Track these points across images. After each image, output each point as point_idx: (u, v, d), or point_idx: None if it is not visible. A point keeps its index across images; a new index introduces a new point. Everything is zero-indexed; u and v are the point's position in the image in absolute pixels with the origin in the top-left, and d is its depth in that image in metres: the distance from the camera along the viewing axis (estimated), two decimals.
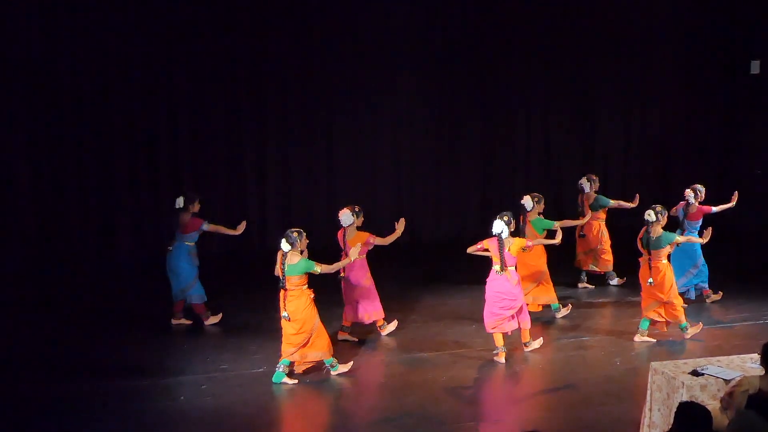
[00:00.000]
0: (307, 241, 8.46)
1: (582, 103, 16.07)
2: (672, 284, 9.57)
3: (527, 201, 10.53)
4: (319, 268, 8.32)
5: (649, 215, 9.49)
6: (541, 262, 10.49)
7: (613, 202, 11.69)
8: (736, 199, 10.95)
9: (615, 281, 12.03)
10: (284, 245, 8.29)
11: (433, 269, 13.06)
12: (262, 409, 7.94)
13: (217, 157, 14.22)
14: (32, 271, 12.92)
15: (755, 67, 15.89)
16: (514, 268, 9.07)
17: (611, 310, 11.09)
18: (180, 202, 10.15)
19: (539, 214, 10.55)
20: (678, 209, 11.00)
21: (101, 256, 13.63)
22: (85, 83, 13.39)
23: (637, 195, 11.79)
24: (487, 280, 9.14)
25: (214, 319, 10.40)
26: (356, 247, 8.68)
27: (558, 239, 9.51)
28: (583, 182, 11.80)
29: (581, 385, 8.67)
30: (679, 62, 16.33)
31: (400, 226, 9.51)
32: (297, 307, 8.34)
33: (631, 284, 11.79)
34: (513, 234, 9.17)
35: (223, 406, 8.03)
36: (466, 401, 8.04)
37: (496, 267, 9.02)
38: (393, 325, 10.04)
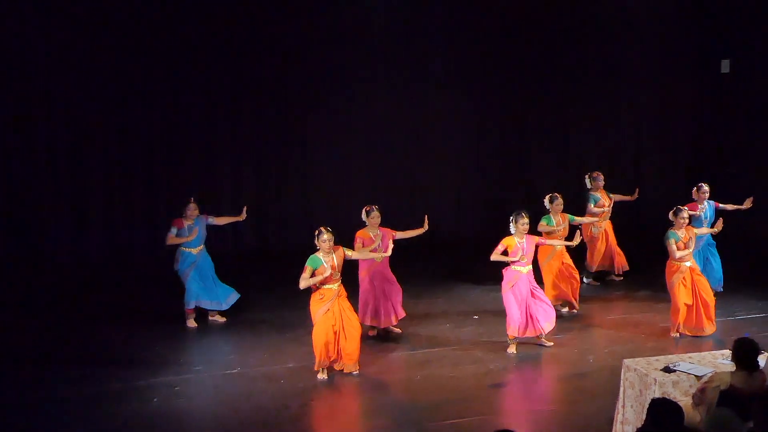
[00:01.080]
0: (326, 243, 8.29)
1: (554, 104, 16.11)
2: (673, 287, 9.57)
3: (546, 201, 10.65)
4: (304, 275, 8.29)
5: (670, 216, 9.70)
6: (540, 263, 10.49)
7: (592, 206, 11.74)
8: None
9: (588, 281, 12.08)
10: None
11: (409, 269, 13.03)
12: (236, 410, 7.87)
13: (191, 155, 14.15)
14: (2, 267, 12.75)
15: (725, 66, 16.03)
16: (516, 266, 9.14)
17: (584, 307, 11.13)
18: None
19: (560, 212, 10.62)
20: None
21: (72, 254, 13.50)
22: (58, 85, 13.28)
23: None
24: None
25: (191, 323, 10.34)
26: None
27: (576, 241, 9.61)
28: (586, 180, 11.91)
29: (555, 382, 8.73)
30: (650, 62, 16.44)
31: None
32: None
33: (606, 284, 12.04)
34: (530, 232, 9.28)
35: (196, 408, 7.99)
36: (441, 399, 8.03)
37: None
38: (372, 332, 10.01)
